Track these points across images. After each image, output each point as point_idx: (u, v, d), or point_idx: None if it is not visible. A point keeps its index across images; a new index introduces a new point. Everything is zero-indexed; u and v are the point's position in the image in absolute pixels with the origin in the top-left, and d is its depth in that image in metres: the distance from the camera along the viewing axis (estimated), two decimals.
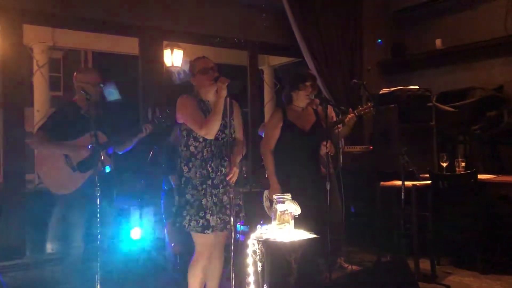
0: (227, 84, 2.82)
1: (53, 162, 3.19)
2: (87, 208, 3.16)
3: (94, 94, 3.24)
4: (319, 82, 5.41)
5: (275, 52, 6.62)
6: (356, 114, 3.87)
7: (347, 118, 3.85)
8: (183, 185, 2.93)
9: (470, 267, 4.26)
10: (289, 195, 2.80)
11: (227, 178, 2.89)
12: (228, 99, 2.85)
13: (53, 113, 3.43)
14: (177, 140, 3.17)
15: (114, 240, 4.36)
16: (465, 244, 4.44)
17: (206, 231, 2.88)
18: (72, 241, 3.21)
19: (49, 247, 4.44)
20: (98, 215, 2.89)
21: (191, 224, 2.87)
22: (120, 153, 3.40)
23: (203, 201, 2.89)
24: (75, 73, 3.36)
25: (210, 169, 2.92)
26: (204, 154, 2.93)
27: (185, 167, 2.94)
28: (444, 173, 4.42)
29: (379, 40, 5.82)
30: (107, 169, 2.95)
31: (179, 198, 2.95)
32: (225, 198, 2.94)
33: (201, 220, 2.87)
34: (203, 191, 2.90)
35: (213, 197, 2.92)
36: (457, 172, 4.47)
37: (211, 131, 2.87)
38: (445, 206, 4.35)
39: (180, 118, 2.97)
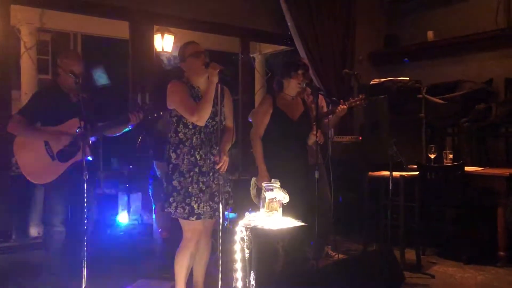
0: (218, 70, 2.79)
1: (32, 149, 3.10)
2: (67, 195, 3.13)
3: (82, 79, 3.17)
4: (310, 71, 5.40)
5: (267, 40, 6.57)
6: (347, 105, 3.87)
7: (338, 109, 3.85)
8: (170, 172, 2.92)
9: (455, 257, 4.32)
10: (278, 183, 2.80)
11: (217, 167, 2.87)
12: (219, 86, 2.82)
13: (34, 95, 3.30)
14: (166, 126, 3.14)
15: (100, 226, 4.35)
16: (450, 235, 4.50)
17: (191, 217, 2.87)
18: (53, 226, 3.18)
19: (35, 231, 4.41)
20: (85, 201, 2.88)
21: (178, 210, 2.87)
22: (109, 136, 3.36)
23: (190, 188, 2.88)
24: (59, 58, 3.28)
25: (198, 156, 2.91)
26: (193, 141, 2.91)
27: (173, 153, 2.92)
28: (432, 164, 4.46)
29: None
30: (89, 159, 2.92)
31: (167, 185, 2.94)
32: (214, 185, 2.94)
33: (187, 207, 2.86)
34: (190, 178, 2.89)
35: (201, 184, 2.90)
36: (444, 164, 4.50)
37: (202, 118, 2.85)
38: (432, 197, 4.39)
39: (171, 104, 2.94)
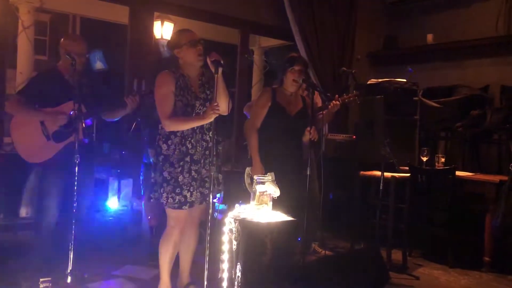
0: (216, 60, 2.77)
1: (28, 128, 3.11)
2: (62, 177, 3.13)
3: (79, 62, 3.16)
4: (308, 67, 5.38)
5: (267, 33, 6.55)
6: (340, 101, 3.87)
7: (331, 105, 3.85)
8: (161, 163, 2.90)
9: (440, 260, 4.36)
10: (270, 177, 2.80)
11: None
12: (216, 76, 2.79)
13: (33, 78, 3.32)
14: None
15: (91, 210, 4.33)
16: (437, 237, 4.54)
17: (184, 207, 2.87)
18: (46, 209, 3.17)
19: (24, 211, 4.39)
20: (75, 184, 2.90)
21: (169, 201, 2.86)
22: (108, 120, 3.36)
23: (180, 178, 2.86)
24: (62, 39, 3.28)
25: (190, 145, 2.90)
26: (184, 131, 2.89)
27: (164, 144, 2.90)
28: (424, 167, 4.48)
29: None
30: (85, 141, 2.92)
31: (156, 175, 2.92)
32: (204, 171, 2.93)
33: (178, 197, 2.85)
34: (180, 168, 2.87)
35: (193, 173, 2.90)
36: (436, 167, 4.53)
37: (171, 129, 2.85)
38: (421, 199, 4.42)
39: (155, 96, 2.92)
